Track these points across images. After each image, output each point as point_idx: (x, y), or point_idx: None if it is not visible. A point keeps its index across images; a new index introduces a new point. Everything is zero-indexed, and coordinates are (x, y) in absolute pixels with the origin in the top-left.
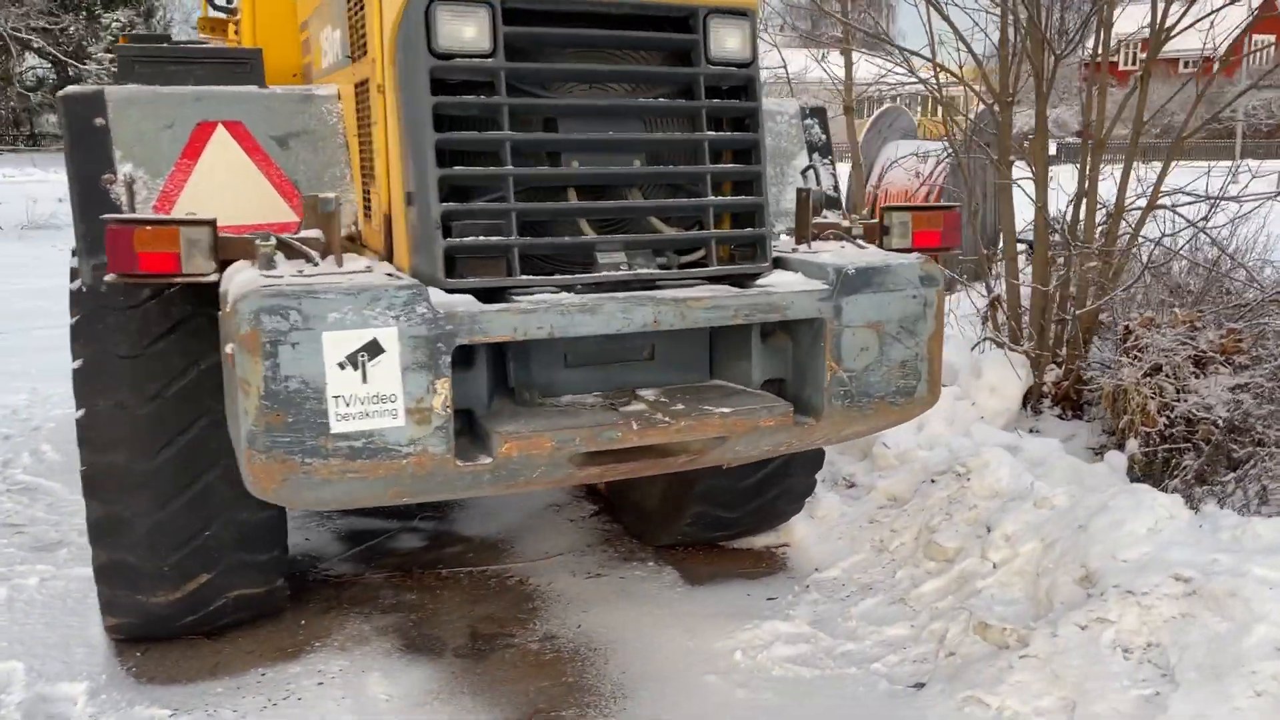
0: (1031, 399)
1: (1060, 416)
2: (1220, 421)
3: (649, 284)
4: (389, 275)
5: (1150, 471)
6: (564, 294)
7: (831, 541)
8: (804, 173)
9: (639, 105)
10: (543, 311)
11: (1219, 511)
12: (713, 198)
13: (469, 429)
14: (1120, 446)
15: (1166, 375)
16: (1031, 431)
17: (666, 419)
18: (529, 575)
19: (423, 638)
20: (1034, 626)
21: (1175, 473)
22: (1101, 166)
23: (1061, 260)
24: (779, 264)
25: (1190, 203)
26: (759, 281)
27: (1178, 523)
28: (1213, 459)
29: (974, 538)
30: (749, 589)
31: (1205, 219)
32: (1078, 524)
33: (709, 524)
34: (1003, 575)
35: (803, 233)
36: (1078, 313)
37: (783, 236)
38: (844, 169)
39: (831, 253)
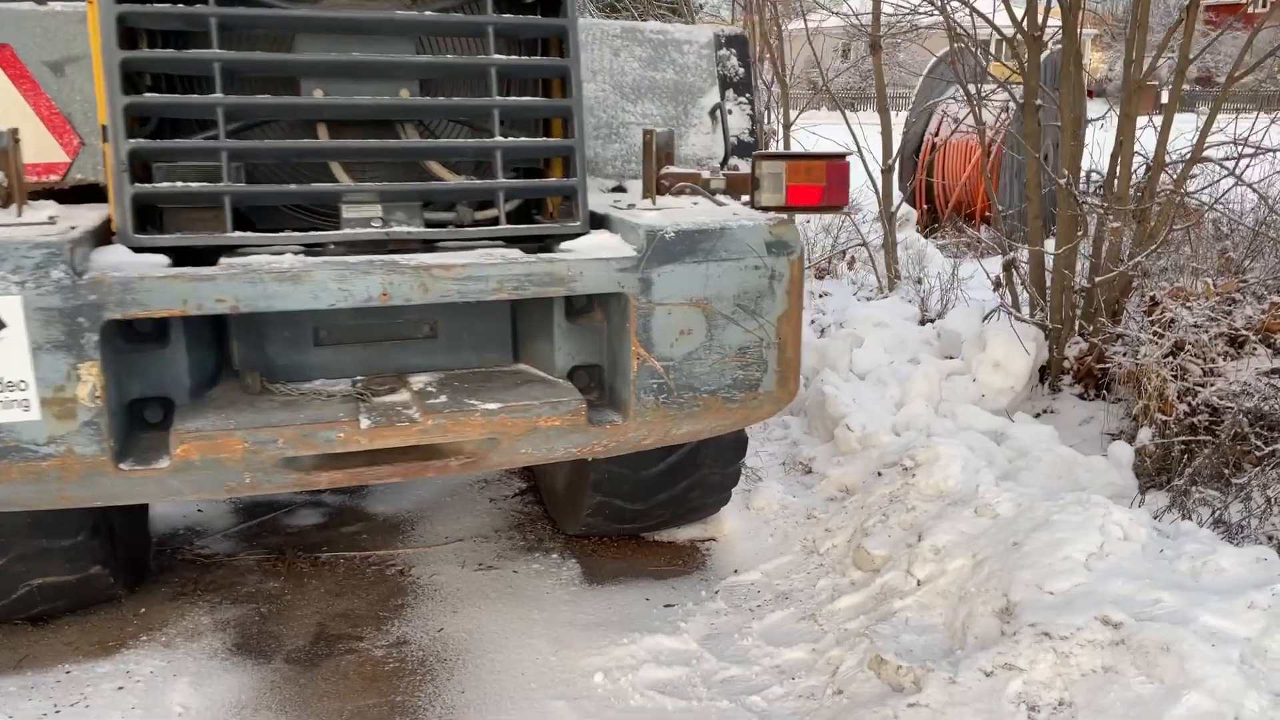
0: (1051, 375)
1: (1082, 396)
2: (1247, 412)
3: (430, 245)
4: (53, 229)
5: (1165, 467)
6: (281, 257)
7: (763, 538)
8: (711, 113)
9: (401, 20)
10: (225, 279)
11: (1193, 531)
12: (500, 139)
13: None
14: (1136, 435)
15: (1192, 355)
16: (1045, 413)
17: (411, 417)
18: (415, 564)
19: (261, 636)
20: (934, 668)
21: (1201, 465)
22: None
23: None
24: (605, 225)
25: (1244, 156)
26: (566, 245)
27: (1130, 546)
28: (1228, 457)
29: (904, 546)
30: (651, 592)
31: (1234, 168)
32: (1013, 540)
33: (613, 515)
34: (925, 595)
35: (649, 185)
36: (1097, 280)
37: (634, 190)
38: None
39: (662, 211)
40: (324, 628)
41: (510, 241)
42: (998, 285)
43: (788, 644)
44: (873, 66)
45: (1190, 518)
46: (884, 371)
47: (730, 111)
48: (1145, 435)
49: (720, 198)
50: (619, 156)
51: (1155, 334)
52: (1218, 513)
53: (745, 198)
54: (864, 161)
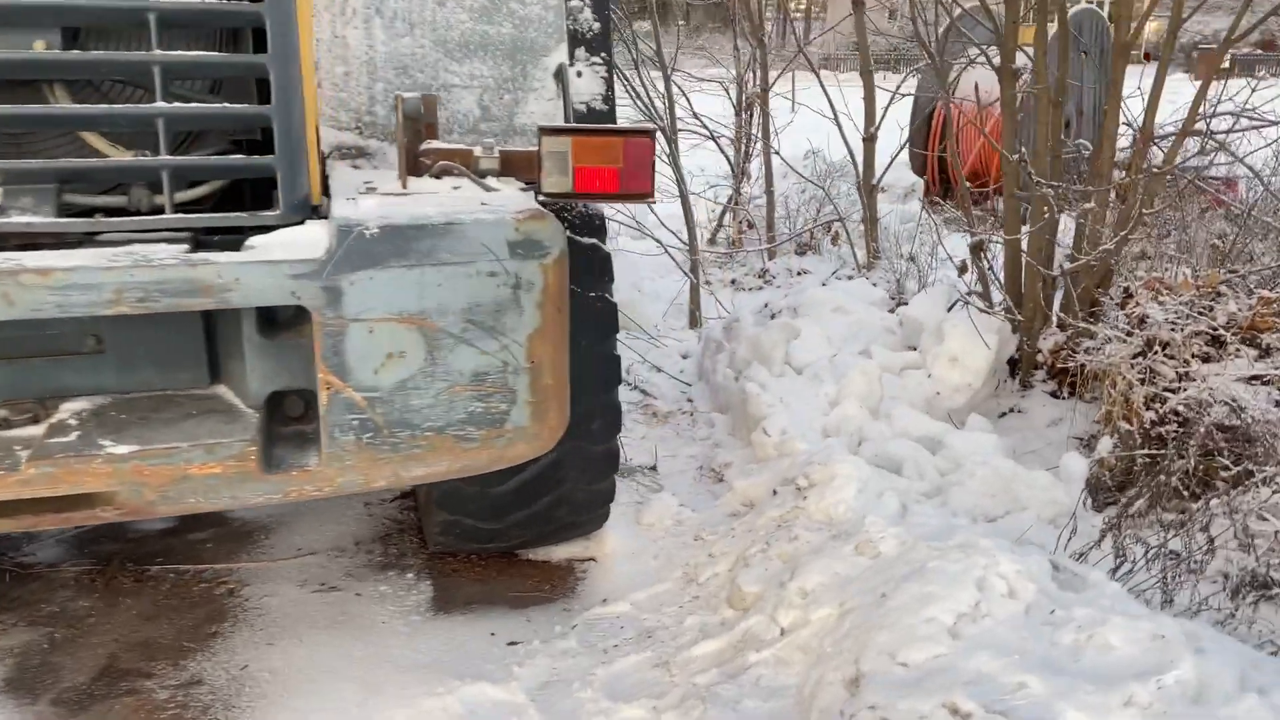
0: (1022, 370)
1: (1054, 394)
2: (1218, 424)
3: (91, 238)
4: None
5: (1127, 483)
6: None
7: (645, 560)
8: (556, 76)
9: None
10: None
11: (1100, 584)
12: (161, 105)
13: None
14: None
15: (1165, 355)
16: (1012, 412)
17: (13, 463)
18: (251, 581)
19: (41, 669)
20: None
21: (1144, 490)
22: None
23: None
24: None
25: (1250, 128)
26: (254, 241)
27: (1011, 607)
28: (1193, 476)
29: (777, 585)
30: (500, 625)
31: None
32: (883, 590)
33: (466, 534)
34: (784, 648)
35: (404, 165)
36: (1067, 268)
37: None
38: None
39: (389, 199)
40: (115, 660)
41: (195, 237)
42: (963, 270)
43: (628, 699)
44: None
45: (1122, 556)
46: (823, 366)
47: (580, 74)
48: (1105, 445)
49: (493, 181)
50: (438, 126)
51: (1125, 330)
52: (1155, 549)
53: (496, 181)
54: (840, 130)
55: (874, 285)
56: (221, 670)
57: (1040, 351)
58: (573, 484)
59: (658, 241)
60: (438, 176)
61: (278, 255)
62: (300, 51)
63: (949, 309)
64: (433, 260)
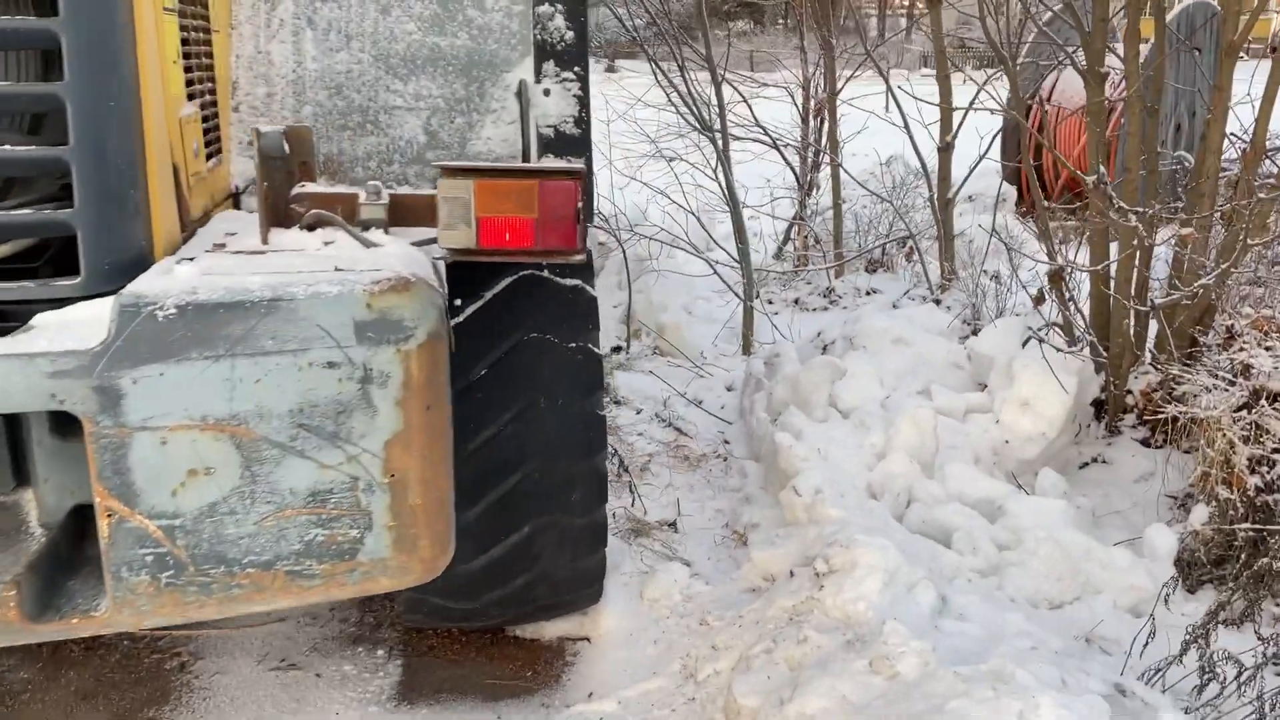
0: (1110, 413)
1: (1146, 442)
2: None
3: None
4: None
5: (1225, 559)
6: None
7: (644, 646)
8: (518, 95)
9: None
10: None
11: None
12: None
13: None
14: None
15: (1274, 409)
16: (1095, 462)
17: None
18: (206, 654)
19: None
20: None
21: (1242, 578)
22: None
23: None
24: None
25: None
26: (39, 320)
27: None
28: None
29: (776, 702)
30: None
31: None
32: None
33: (435, 612)
34: None
35: (264, 216)
36: (1157, 302)
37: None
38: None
39: (216, 265)
40: None
41: None
42: (1040, 299)
43: None
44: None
45: (1210, 672)
46: (872, 410)
47: (548, 92)
48: (1200, 515)
49: (379, 235)
50: (375, 154)
51: (1227, 378)
52: (1251, 670)
53: (380, 235)
54: (911, 140)
55: (946, 310)
56: None
57: (1130, 392)
58: (551, 561)
59: (705, 260)
60: (310, 228)
61: (39, 345)
62: (136, 76)
63: (1024, 344)
64: (249, 349)
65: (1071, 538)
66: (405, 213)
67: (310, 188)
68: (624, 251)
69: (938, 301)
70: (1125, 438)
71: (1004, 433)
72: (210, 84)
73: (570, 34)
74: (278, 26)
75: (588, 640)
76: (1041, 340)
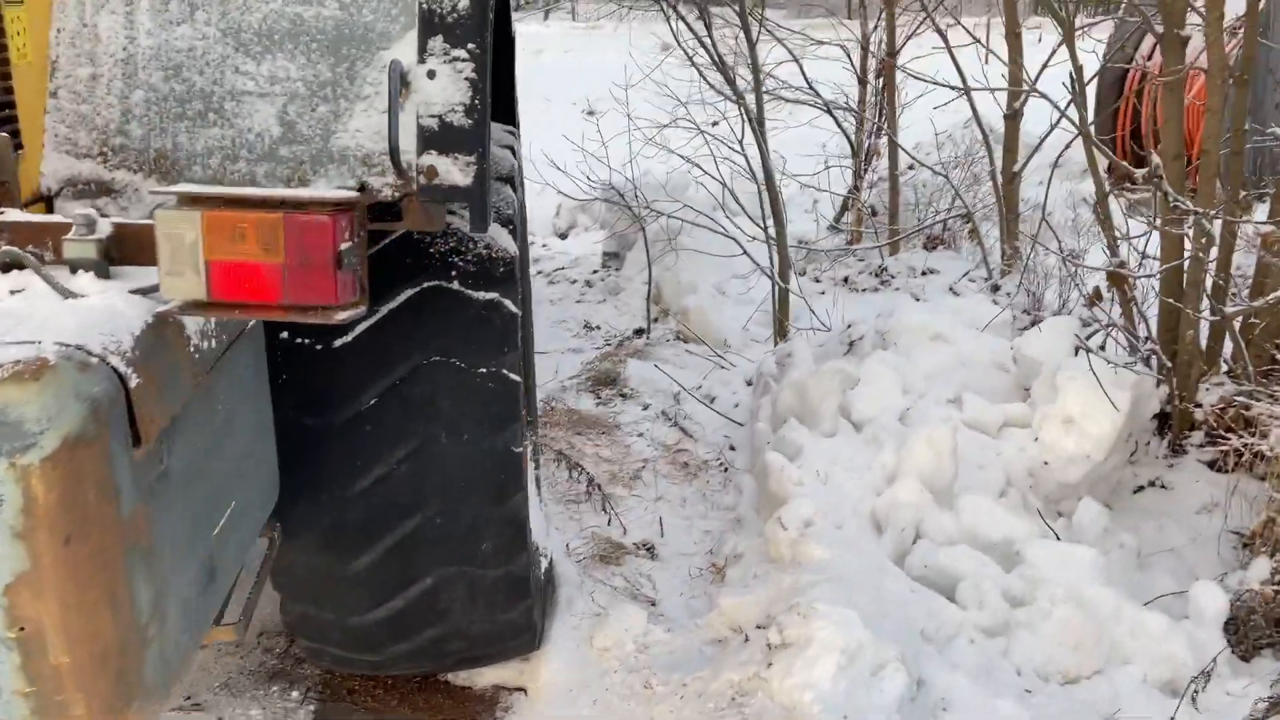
0: (1174, 429)
1: (1214, 465)
2: None
3: None
4: None
5: None
6: None
7: (580, 707)
8: (403, 77)
9: None
10: None
11: None
12: None
13: None
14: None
15: None
16: (1152, 486)
17: None
18: None
19: None
20: None
21: None
22: None
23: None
24: None
25: None
26: None
27: None
28: None
29: None
30: None
31: None
32: None
33: (340, 662)
34: None
35: None
36: (1228, 310)
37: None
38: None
39: None
40: None
41: None
42: (1095, 299)
43: None
44: None
45: None
46: (887, 423)
47: (433, 73)
48: (1260, 570)
49: (87, 280)
50: (218, 150)
51: None
52: None
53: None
54: (972, 105)
55: (1005, 297)
56: None
57: (1199, 406)
58: (464, 616)
59: (732, 237)
60: (2, 270)
61: None
62: None
63: (1077, 350)
64: None
65: (1099, 594)
66: (133, 247)
67: (10, 215)
68: (644, 229)
69: (996, 288)
70: (1190, 459)
71: (1043, 452)
72: None
73: (465, 3)
74: None
75: (523, 692)
76: (1090, 350)
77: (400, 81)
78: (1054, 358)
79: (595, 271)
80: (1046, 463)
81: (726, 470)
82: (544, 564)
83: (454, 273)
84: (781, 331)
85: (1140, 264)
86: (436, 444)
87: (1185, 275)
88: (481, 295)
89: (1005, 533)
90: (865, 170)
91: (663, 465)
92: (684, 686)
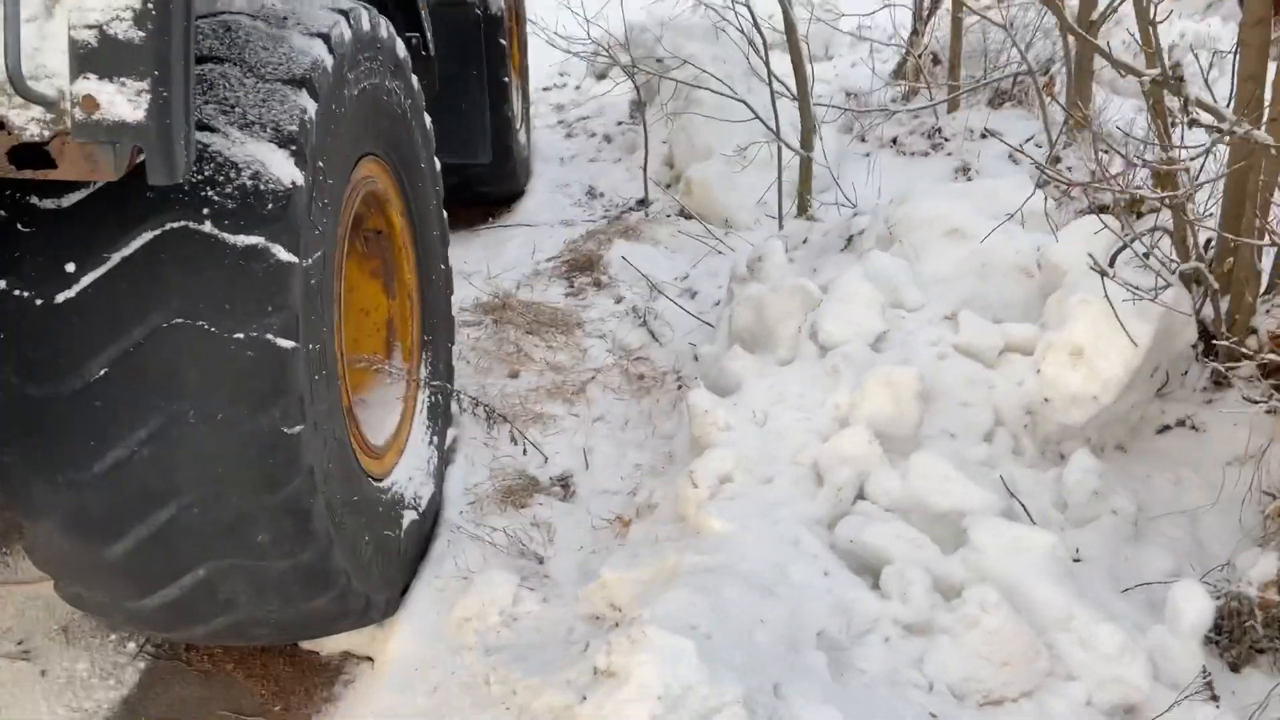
0: (1219, 357)
1: (1267, 403)
2: None
3: None
4: None
5: None
6: None
7: (416, 693)
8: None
9: None
10: None
11: None
12: None
13: None
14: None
15: None
16: (1181, 426)
17: None
18: None
19: None
20: None
21: None
22: None
23: None
24: None
25: None
26: None
27: None
28: None
29: None
30: None
31: None
32: None
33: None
34: None
35: None
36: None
37: None
38: None
39: None
40: None
41: None
42: (1133, 207)
43: None
44: None
45: None
46: (854, 352)
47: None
48: (1269, 566)
49: None
50: None
51: None
52: None
53: None
54: None
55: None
56: None
57: (1254, 332)
58: (257, 607)
59: (741, 101)
60: None
61: None
62: None
63: (1112, 259)
64: None
65: (1046, 595)
66: None
67: None
68: (636, 87)
69: (1057, 160)
70: (1234, 395)
71: (1044, 388)
72: None
73: None
74: None
75: (370, 663)
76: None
77: None
78: (1080, 267)
79: (620, 124)
80: (1048, 399)
81: (682, 389)
82: (412, 518)
83: (206, 210)
84: (803, 207)
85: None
86: (183, 423)
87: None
88: (240, 240)
89: (955, 502)
90: (931, 11)
91: (614, 376)
92: (513, 695)
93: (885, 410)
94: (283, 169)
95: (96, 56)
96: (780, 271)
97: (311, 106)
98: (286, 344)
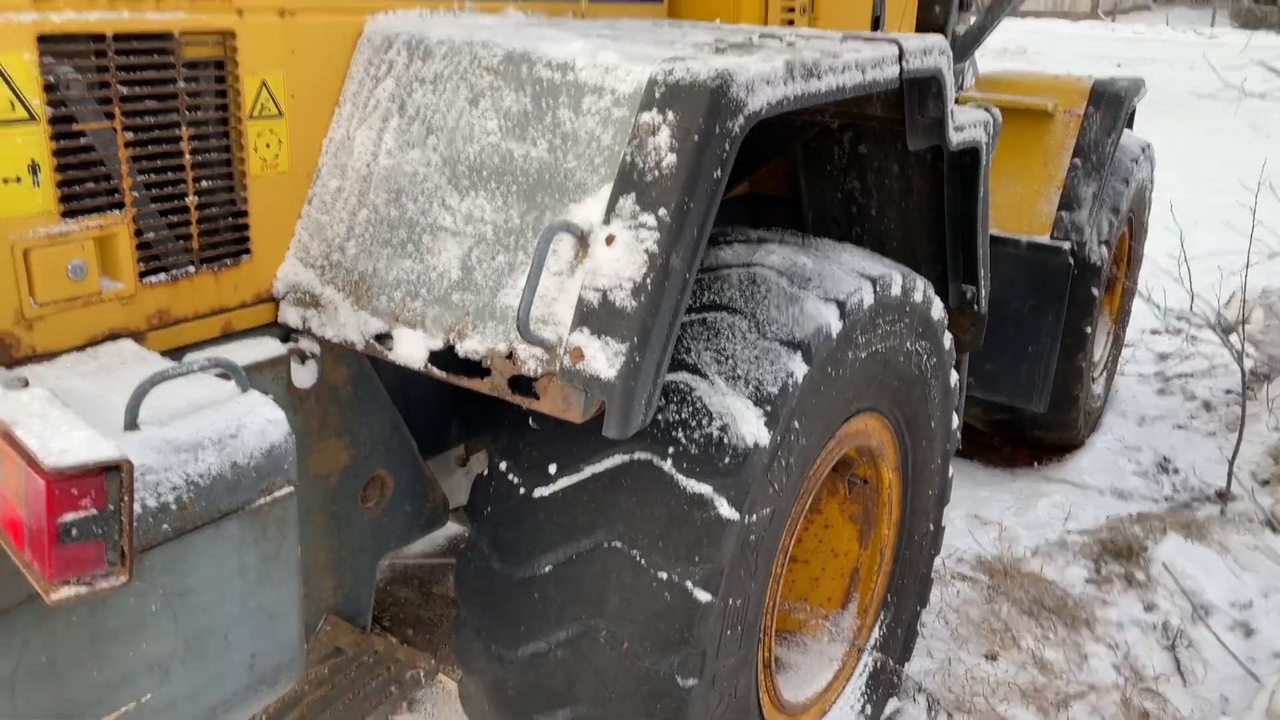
0: None
1: None
2: None
3: None
4: None
5: None
6: None
7: None
8: (580, 239)
9: None
10: None
11: None
12: None
13: None
14: None
15: None
16: None
17: None
18: None
19: None
20: None
21: None
22: None
23: None
24: None
25: None
26: None
27: None
28: None
29: None
30: None
31: None
32: None
33: None
34: None
35: None
36: None
37: None
38: None
39: None
40: None
41: None
42: None
43: None
44: None
45: None
46: None
47: (611, 239)
48: None
49: None
50: (404, 283)
51: None
52: None
53: None
54: None
55: None
56: None
57: None
58: None
59: None
60: None
61: None
62: None
63: None
64: None
65: None
66: None
67: None
68: (1242, 368)
69: None
70: None
71: None
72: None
73: (671, 159)
74: (372, 107)
75: None
76: None
77: (580, 243)
78: None
79: (1229, 391)
80: None
81: None
82: None
83: (671, 449)
84: None
85: None
86: (595, 639)
87: None
88: (691, 485)
89: None
90: None
91: (1110, 702)
92: None
93: None
94: (750, 427)
95: (594, 315)
96: None
97: (801, 370)
98: (704, 597)
